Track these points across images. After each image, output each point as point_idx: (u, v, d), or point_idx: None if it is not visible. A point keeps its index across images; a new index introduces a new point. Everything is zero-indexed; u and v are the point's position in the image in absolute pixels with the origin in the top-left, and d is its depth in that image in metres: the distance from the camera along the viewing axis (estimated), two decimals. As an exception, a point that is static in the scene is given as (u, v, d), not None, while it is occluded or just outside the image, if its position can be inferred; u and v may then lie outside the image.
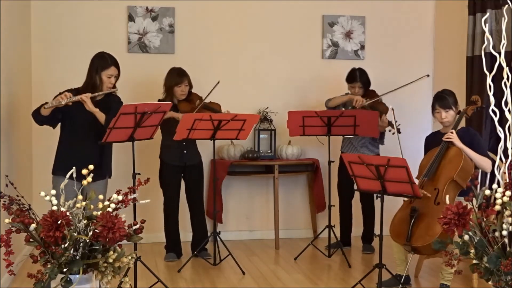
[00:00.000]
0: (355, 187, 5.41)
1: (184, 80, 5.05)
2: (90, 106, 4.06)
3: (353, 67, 5.46)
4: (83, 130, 4.15)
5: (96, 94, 4.14)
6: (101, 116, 4.11)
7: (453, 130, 4.26)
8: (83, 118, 4.12)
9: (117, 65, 4.23)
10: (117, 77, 4.26)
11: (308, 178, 6.11)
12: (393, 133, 5.15)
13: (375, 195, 3.97)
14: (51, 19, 5.57)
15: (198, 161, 5.15)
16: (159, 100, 5.05)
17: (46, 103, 4.05)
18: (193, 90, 5.18)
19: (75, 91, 4.17)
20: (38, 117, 4.10)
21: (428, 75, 5.50)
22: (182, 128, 4.58)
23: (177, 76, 5.05)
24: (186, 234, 5.30)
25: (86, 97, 4.05)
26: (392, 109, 4.88)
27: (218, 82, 5.05)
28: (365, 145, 5.40)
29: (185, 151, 5.07)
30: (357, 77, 5.35)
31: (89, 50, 4.49)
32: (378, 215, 4.09)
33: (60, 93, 4.12)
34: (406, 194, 3.87)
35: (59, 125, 4.24)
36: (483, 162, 4.16)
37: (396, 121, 5.11)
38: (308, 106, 5.65)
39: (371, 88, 5.46)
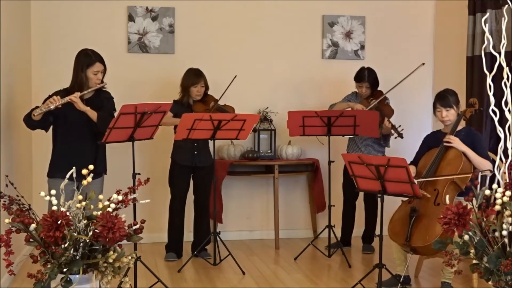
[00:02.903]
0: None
1: (200, 81, 5.07)
2: (80, 105, 4.04)
3: (362, 66, 5.43)
4: (77, 130, 4.13)
5: (85, 92, 4.10)
6: (92, 114, 4.08)
7: (450, 136, 4.25)
8: (76, 118, 4.09)
9: (102, 61, 4.19)
10: (104, 72, 4.22)
11: (308, 178, 6.11)
12: (395, 137, 5.15)
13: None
14: (51, 19, 5.57)
15: (209, 163, 5.09)
16: (174, 101, 5.07)
17: (37, 107, 4.03)
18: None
19: (64, 92, 4.14)
20: (29, 121, 4.07)
21: (423, 64, 5.43)
22: (182, 128, 4.58)
23: (194, 76, 5.08)
24: (187, 234, 5.30)
25: (75, 97, 4.01)
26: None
27: (235, 77, 5.08)
28: (370, 146, 5.38)
29: (196, 152, 5.07)
30: (365, 76, 5.32)
31: (89, 50, 4.49)
32: (378, 215, 4.09)
33: (50, 96, 4.10)
34: (406, 194, 3.87)
35: (51, 127, 4.22)
36: (484, 167, 4.15)
37: (399, 126, 5.11)
38: (308, 106, 5.65)
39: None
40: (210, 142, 5.00)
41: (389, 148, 5.44)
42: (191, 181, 5.22)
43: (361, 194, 5.48)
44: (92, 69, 4.14)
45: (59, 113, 4.09)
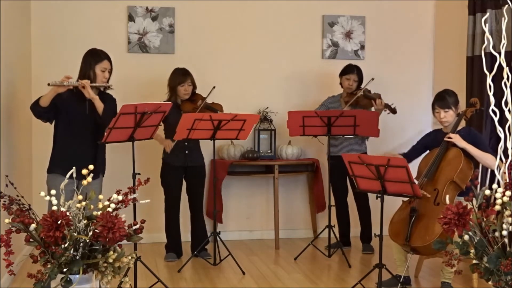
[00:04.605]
0: (349, 185, 5.47)
1: (187, 80, 5.07)
2: (90, 92, 4.06)
3: (349, 63, 5.54)
4: (78, 129, 4.14)
5: (94, 84, 4.14)
6: (99, 104, 4.11)
7: (451, 134, 4.26)
8: (76, 115, 4.12)
9: (109, 59, 4.25)
10: (110, 72, 4.26)
11: (308, 178, 6.11)
12: (388, 113, 5.22)
13: (374, 195, 3.97)
14: (51, 19, 5.57)
15: (200, 163, 5.16)
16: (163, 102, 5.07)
17: (48, 84, 4.02)
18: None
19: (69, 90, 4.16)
20: (37, 108, 4.08)
21: (373, 79, 5.34)
22: (182, 128, 4.58)
23: (180, 75, 5.08)
24: (186, 234, 5.30)
25: (86, 82, 4.06)
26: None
27: (214, 87, 5.02)
28: (345, 146, 5.39)
29: (187, 152, 5.07)
30: (354, 69, 5.40)
31: (89, 50, 4.49)
32: (377, 215, 4.09)
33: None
34: (406, 194, 3.87)
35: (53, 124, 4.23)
36: (487, 160, 4.16)
37: (392, 104, 5.16)
38: (308, 106, 5.65)
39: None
40: (202, 142, 5.00)
41: (388, 148, 5.45)
42: (184, 182, 5.22)
43: (351, 194, 5.47)
44: (100, 65, 4.19)
45: (62, 108, 4.11)
